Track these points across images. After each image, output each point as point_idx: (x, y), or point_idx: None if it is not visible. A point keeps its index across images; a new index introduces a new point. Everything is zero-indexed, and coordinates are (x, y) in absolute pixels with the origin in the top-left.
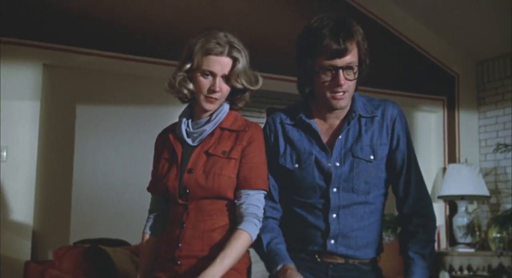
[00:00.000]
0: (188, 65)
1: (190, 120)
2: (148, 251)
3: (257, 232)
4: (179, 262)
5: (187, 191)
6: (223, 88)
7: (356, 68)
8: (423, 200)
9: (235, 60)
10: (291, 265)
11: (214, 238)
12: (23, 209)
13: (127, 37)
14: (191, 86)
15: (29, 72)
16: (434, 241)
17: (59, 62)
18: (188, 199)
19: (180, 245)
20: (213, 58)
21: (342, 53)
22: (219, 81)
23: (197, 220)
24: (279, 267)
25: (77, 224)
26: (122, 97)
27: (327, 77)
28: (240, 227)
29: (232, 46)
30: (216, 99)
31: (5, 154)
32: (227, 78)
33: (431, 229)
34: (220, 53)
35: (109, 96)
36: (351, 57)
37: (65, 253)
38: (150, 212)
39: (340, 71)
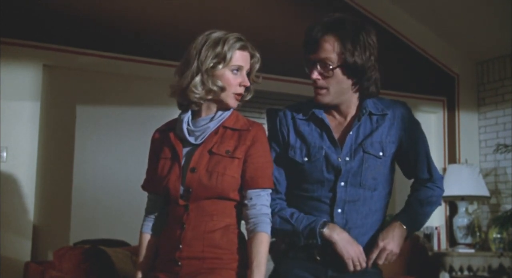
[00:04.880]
0: (221, 65)
1: (189, 119)
2: (147, 250)
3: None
4: (179, 263)
5: (190, 190)
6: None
7: (332, 66)
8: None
9: (253, 56)
10: (332, 223)
11: (214, 239)
12: (23, 209)
13: (127, 38)
14: (220, 83)
15: (29, 72)
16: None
17: (59, 62)
18: (189, 200)
19: (180, 246)
20: (240, 53)
21: (315, 47)
22: (246, 76)
23: (197, 220)
24: (324, 229)
25: (77, 224)
26: (122, 97)
27: (309, 72)
28: (259, 229)
29: (248, 42)
30: (242, 95)
31: (5, 154)
32: (247, 74)
33: (439, 197)
34: (245, 48)
35: (109, 96)
36: (325, 53)
37: (65, 253)
38: (147, 211)
39: (314, 66)
